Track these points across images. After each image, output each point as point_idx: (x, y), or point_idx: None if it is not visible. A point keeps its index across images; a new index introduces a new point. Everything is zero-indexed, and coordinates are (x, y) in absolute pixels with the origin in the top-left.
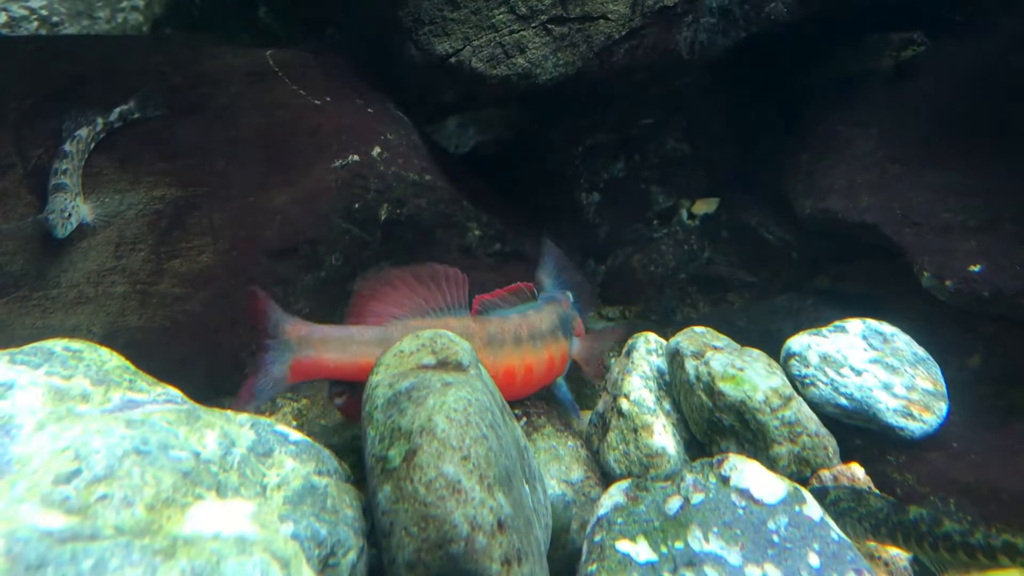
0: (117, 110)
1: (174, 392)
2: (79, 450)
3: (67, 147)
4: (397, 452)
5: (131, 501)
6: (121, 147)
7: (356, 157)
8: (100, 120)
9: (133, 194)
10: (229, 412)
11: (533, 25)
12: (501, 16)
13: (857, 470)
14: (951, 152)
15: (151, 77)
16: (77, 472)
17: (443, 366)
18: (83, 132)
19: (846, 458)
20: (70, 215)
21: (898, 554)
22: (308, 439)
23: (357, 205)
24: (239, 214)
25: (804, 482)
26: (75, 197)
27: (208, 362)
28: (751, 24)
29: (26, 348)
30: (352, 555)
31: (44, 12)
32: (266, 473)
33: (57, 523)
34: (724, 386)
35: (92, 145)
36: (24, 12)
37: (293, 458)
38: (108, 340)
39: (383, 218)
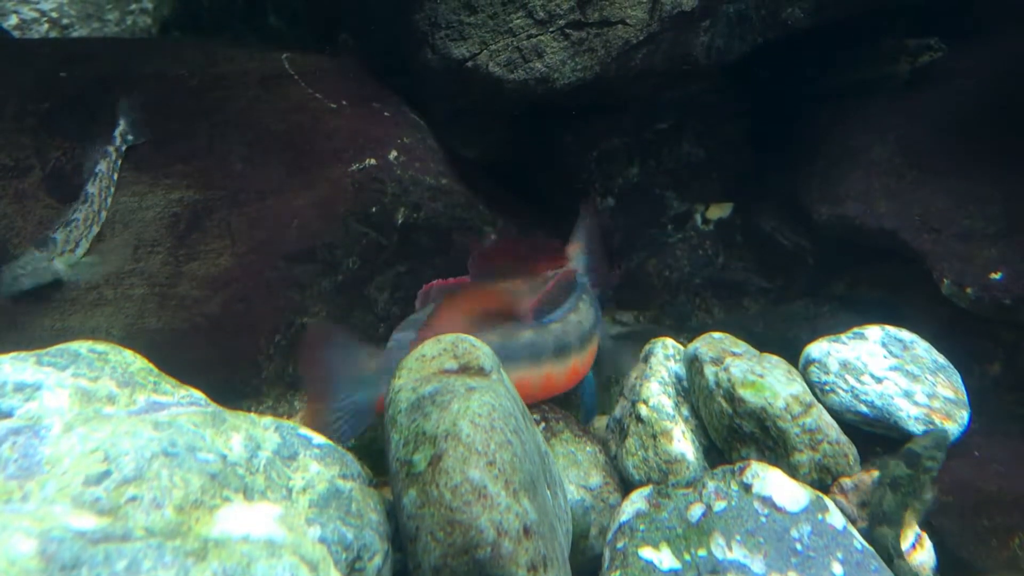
0: (116, 133)
1: (197, 395)
2: (108, 452)
3: (89, 188)
4: (422, 456)
5: (160, 503)
6: (139, 150)
7: (373, 161)
8: (111, 148)
9: (151, 196)
10: (253, 415)
11: (551, 30)
12: (519, 20)
13: None
14: (970, 158)
15: (169, 80)
16: (107, 473)
17: (465, 371)
18: (103, 166)
19: (866, 466)
20: (18, 278)
21: (923, 562)
22: (331, 442)
23: (374, 208)
24: (257, 217)
25: (825, 490)
26: (54, 258)
27: (227, 365)
28: (768, 29)
29: (52, 350)
30: (378, 559)
31: (54, 14)
32: (291, 476)
33: (89, 524)
34: (744, 393)
35: (115, 177)
36: (35, 14)
37: (317, 461)
38: (127, 342)
39: (400, 222)
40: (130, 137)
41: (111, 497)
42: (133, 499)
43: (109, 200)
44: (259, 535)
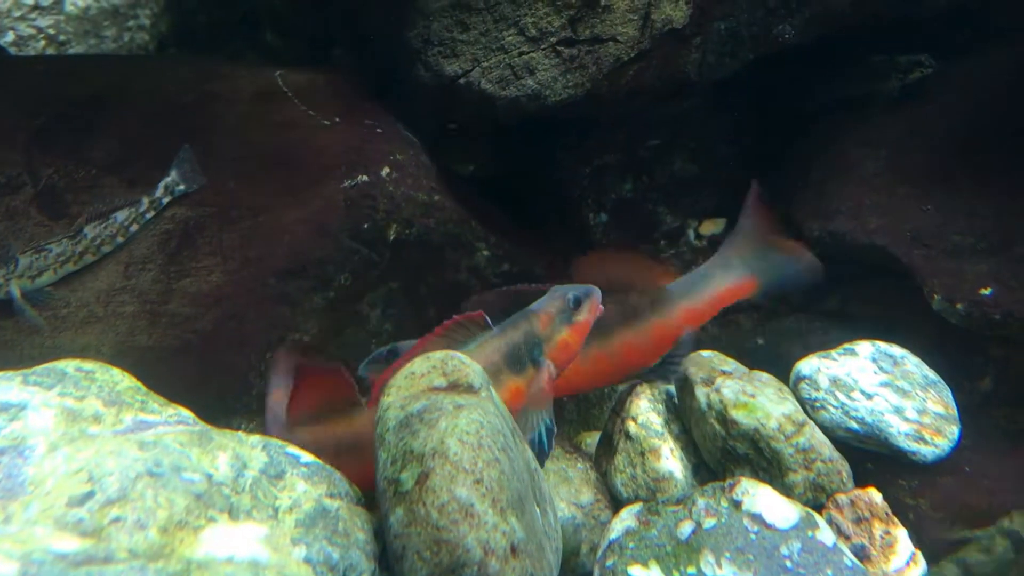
0: (161, 184)
1: (185, 413)
2: (92, 472)
3: (87, 230)
4: (409, 475)
5: (144, 524)
6: (131, 167)
7: (365, 177)
8: (145, 199)
9: None
10: (240, 433)
11: (543, 47)
12: (511, 38)
13: (874, 494)
14: (960, 174)
15: (161, 97)
16: (91, 494)
17: (454, 388)
18: (122, 215)
19: (858, 482)
20: None
21: None
22: (319, 461)
23: (366, 225)
24: (248, 234)
25: (819, 508)
26: (10, 278)
27: (218, 382)
28: (759, 46)
29: (38, 369)
30: None
31: (51, 31)
32: (278, 496)
33: (71, 546)
34: (737, 414)
35: (132, 228)
36: (32, 31)
37: (304, 480)
38: (117, 360)
39: (392, 238)
40: (181, 187)
41: (94, 518)
42: (117, 520)
43: (106, 248)
44: (243, 556)
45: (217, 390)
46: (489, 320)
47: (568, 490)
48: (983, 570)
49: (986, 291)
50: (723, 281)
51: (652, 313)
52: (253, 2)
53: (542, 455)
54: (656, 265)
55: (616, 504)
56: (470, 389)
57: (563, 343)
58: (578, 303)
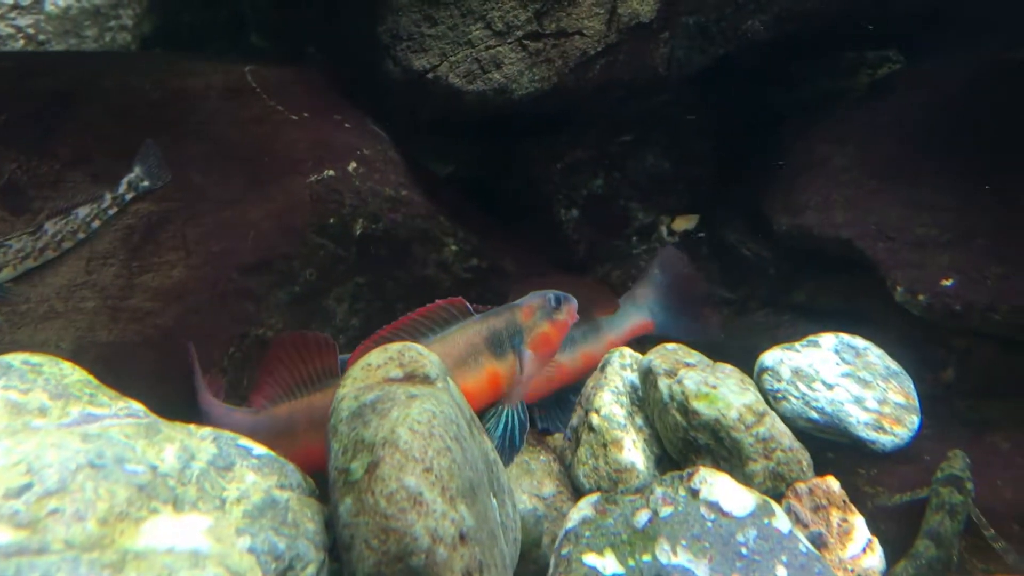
0: (124, 180)
1: (136, 406)
2: (32, 464)
3: (47, 225)
4: (360, 464)
5: (83, 515)
6: (97, 163)
7: (331, 172)
8: (108, 195)
9: None
10: (192, 426)
11: (509, 41)
12: (477, 32)
13: (832, 483)
14: (925, 168)
15: (130, 93)
16: (28, 486)
17: (410, 379)
18: (84, 211)
19: (819, 471)
20: None
21: (872, 566)
22: (272, 453)
23: (332, 220)
24: (212, 229)
25: (779, 497)
26: None
27: (180, 377)
28: (728, 42)
29: None
30: (311, 569)
31: (31, 31)
32: (226, 487)
33: (4, 538)
34: (698, 405)
35: (95, 224)
36: (11, 30)
37: (255, 472)
38: (77, 355)
39: (358, 233)
40: (145, 183)
41: (31, 510)
42: (54, 512)
43: (67, 244)
44: (184, 547)
45: (179, 385)
46: (470, 307)
47: (530, 482)
48: (950, 529)
49: (947, 282)
50: (635, 320)
51: (584, 342)
52: (238, 3)
53: (512, 450)
54: (602, 294)
55: (579, 496)
56: (426, 380)
57: (544, 336)
58: (558, 302)
